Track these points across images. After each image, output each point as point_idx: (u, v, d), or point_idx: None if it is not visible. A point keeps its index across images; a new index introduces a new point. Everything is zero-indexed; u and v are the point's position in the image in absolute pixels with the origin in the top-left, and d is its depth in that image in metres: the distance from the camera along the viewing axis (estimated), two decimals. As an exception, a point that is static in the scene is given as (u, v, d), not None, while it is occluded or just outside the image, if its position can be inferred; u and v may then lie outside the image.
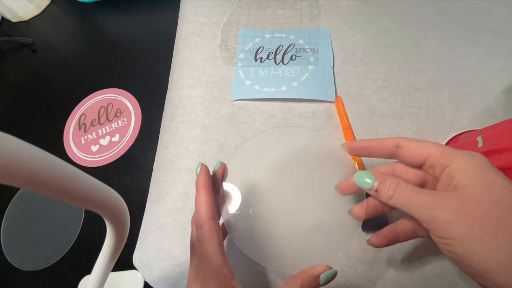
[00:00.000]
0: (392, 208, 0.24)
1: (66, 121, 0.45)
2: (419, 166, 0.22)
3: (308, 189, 0.27)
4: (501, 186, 0.18)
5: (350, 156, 0.27)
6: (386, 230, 0.23)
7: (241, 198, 0.26)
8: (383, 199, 0.21)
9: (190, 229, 0.32)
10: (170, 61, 0.44)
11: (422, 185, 0.23)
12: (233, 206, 0.26)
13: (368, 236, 0.29)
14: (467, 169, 0.19)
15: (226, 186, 0.26)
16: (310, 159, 0.28)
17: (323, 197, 0.26)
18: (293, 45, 0.41)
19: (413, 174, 0.23)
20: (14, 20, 0.55)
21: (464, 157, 0.19)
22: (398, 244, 0.30)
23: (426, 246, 0.29)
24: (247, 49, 0.42)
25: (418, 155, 0.21)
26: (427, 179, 0.22)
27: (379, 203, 0.24)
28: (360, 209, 0.24)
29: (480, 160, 0.19)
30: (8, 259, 0.37)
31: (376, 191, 0.21)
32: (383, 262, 0.29)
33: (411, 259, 0.29)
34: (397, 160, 0.24)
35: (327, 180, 0.27)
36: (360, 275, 0.29)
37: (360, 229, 0.29)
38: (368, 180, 0.22)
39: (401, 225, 0.23)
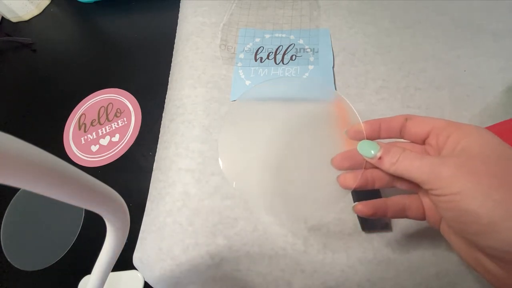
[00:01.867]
0: (379, 185, 0.23)
1: (66, 121, 0.45)
2: (422, 140, 0.22)
3: (303, 145, 0.28)
4: (508, 147, 0.18)
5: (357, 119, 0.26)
6: (376, 201, 0.23)
7: (239, 152, 0.27)
8: (385, 166, 0.21)
9: (190, 229, 0.32)
10: (170, 61, 0.44)
11: None
12: (229, 161, 0.26)
13: (368, 235, 0.29)
14: (470, 135, 0.19)
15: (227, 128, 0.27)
16: (314, 117, 0.28)
17: (317, 155, 0.27)
18: (293, 45, 0.41)
19: (414, 148, 0.23)
20: (14, 20, 0.55)
21: (467, 126, 0.20)
22: (398, 245, 0.30)
23: (426, 246, 0.29)
24: (247, 49, 0.42)
25: (425, 126, 0.21)
26: (429, 152, 0.22)
27: (370, 176, 0.23)
28: (352, 178, 0.23)
29: (483, 130, 0.19)
30: (8, 259, 0.37)
31: (380, 158, 0.21)
32: (383, 262, 0.29)
33: (411, 259, 0.29)
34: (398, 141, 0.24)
35: (324, 141, 0.27)
36: (360, 275, 0.29)
37: (358, 221, 0.29)
38: (372, 150, 0.22)
39: (393, 200, 0.23)
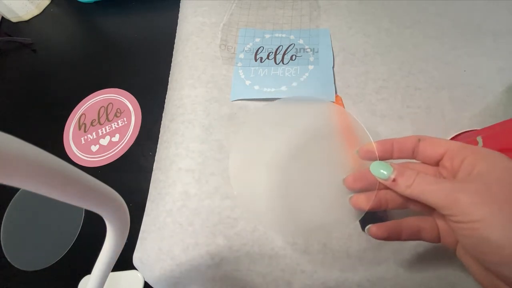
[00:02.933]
0: (392, 206, 0.23)
1: (66, 121, 0.45)
2: (436, 162, 0.22)
3: (318, 166, 0.27)
4: None
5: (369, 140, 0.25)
6: (390, 223, 0.22)
7: (250, 154, 0.27)
8: (400, 188, 0.21)
9: (190, 229, 0.32)
10: (170, 61, 0.44)
11: None
12: (240, 158, 0.26)
13: (368, 235, 0.28)
14: (489, 158, 0.18)
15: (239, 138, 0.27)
16: (330, 138, 0.28)
17: (331, 177, 0.26)
18: (293, 45, 0.41)
19: (427, 170, 0.22)
20: (14, 20, 0.55)
21: (485, 149, 0.19)
22: (398, 244, 0.30)
23: (426, 246, 0.29)
24: (247, 49, 0.42)
25: (438, 148, 0.21)
26: (442, 174, 0.22)
27: (383, 197, 0.23)
28: (365, 199, 0.23)
29: (498, 154, 0.19)
30: (8, 259, 0.37)
31: (394, 180, 0.21)
32: (383, 262, 0.29)
33: (411, 260, 0.29)
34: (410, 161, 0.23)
35: (337, 161, 0.27)
36: (360, 275, 0.29)
37: (359, 223, 0.29)
38: (385, 171, 0.21)
39: (407, 222, 0.22)
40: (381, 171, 0.21)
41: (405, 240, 0.22)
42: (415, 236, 0.22)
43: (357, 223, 0.31)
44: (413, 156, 0.23)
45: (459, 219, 0.18)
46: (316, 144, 0.29)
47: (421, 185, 0.20)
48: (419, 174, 0.20)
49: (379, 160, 0.23)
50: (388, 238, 0.22)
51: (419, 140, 0.22)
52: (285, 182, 0.27)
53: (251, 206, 0.26)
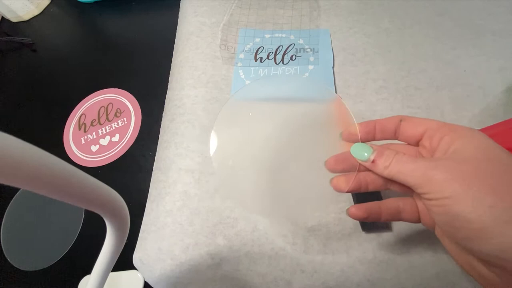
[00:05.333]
0: (372, 187, 0.23)
1: (66, 121, 0.45)
2: (416, 142, 0.22)
3: (299, 146, 0.27)
4: (500, 150, 0.18)
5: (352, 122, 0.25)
6: (370, 204, 0.22)
7: (233, 137, 0.27)
8: (379, 169, 0.21)
9: (190, 229, 0.32)
10: (170, 61, 0.44)
11: None
12: (217, 150, 0.26)
13: (368, 235, 0.29)
14: (463, 137, 0.19)
15: (219, 123, 0.26)
16: (310, 115, 0.28)
17: (314, 156, 0.26)
18: (293, 45, 0.41)
19: (408, 150, 0.23)
20: (14, 20, 0.55)
21: (461, 128, 0.20)
22: (398, 245, 0.30)
23: (426, 246, 0.29)
24: (247, 49, 0.42)
25: (419, 127, 0.21)
26: (422, 154, 0.22)
27: (363, 179, 0.23)
28: (344, 181, 0.23)
29: (476, 132, 0.19)
30: (8, 259, 0.37)
31: (373, 161, 0.21)
32: (383, 262, 0.29)
33: (411, 259, 0.29)
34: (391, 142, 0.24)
35: (321, 141, 0.27)
36: (360, 275, 0.29)
37: (359, 223, 0.29)
38: (365, 153, 0.22)
39: (386, 203, 0.22)
40: (361, 152, 0.22)
41: (385, 220, 0.22)
42: (395, 216, 0.22)
43: (357, 223, 0.31)
44: (395, 137, 0.23)
45: (431, 197, 0.18)
46: (305, 128, 0.28)
47: (398, 165, 0.20)
48: (397, 154, 0.20)
49: (363, 142, 0.23)
50: (368, 218, 0.22)
51: (401, 120, 0.22)
52: (269, 164, 0.27)
53: (230, 181, 0.26)
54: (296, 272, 0.30)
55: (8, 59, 0.52)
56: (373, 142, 0.23)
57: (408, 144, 0.23)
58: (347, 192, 0.23)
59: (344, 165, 0.23)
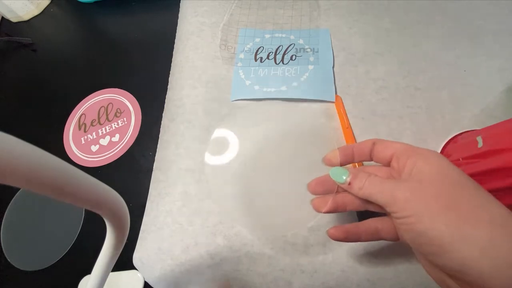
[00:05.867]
0: (351, 208, 0.24)
1: (66, 121, 0.45)
2: (388, 163, 0.23)
3: (286, 164, 0.30)
4: (458, 173, 0.19)
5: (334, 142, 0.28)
6: (348, 225, 0.24)
7: (226, 152, 0.29)
8: (354, 191, 0.23)
9: (190, 229, 0.32)
10: (170, 61, 0.44)
11: None
12: (216, 155, 0.28)
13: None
14: (425, 159, 0.20)
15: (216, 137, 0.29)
16: (299, 138, 0.31)
17: (297, 175, 0.28)
18: (293, 45, 0.41)
19: (380, 171, 0.24)
20: (14, 20, 0.55)
21: (424, 151, 0.21)
22: (398, 245, 0.30)
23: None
24: (247, 49, 0.42)
25: (388, 150, 0.23)
26: (392, 174, 0.23)
27: (341, 201, 0.25)
28: (323, 202, 0.25)
29: (438, 155, 0.21)
30: (8, 259, 0.37)
31: (349, 184, 0.23)
32: (383, 262, 0.29)
33: (411, 260, 0.29)
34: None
35: (307, 162, 0.29)
36: (360, 275, 0.29)
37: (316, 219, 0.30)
38: (343, 175, 0.23)
39: (365, 223, 0.24)
40: (339, 175, 0.23)
41: (365, 240, 0.24)
42: (375, 236, 0.23)
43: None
44: (370, 159, 0.24)
45: (398, 215, 0.19)
46: (291, 148, 0.31)
47: (370, 186, 0.22)
48: (370, 176, 0.22)
49: (341, 165, 0.25)
50: (347, 239, 0.24)
51: (373, 143, 0.24)
52: (254, 186, 0.29)
53: (218, 193, 0.29)
54: (296, 272, 0.30)
55: (8, 59, 0.52)
56: (356, 163, 0.26)
57: (382, 165, 0.24)
58: (325, 212, 0.25)
59: (324, 187, 0.25)
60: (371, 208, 0.24)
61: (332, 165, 0.25)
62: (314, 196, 0.26)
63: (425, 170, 0.20)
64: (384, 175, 0.24)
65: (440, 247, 0.17)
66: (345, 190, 0.24)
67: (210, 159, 0.29)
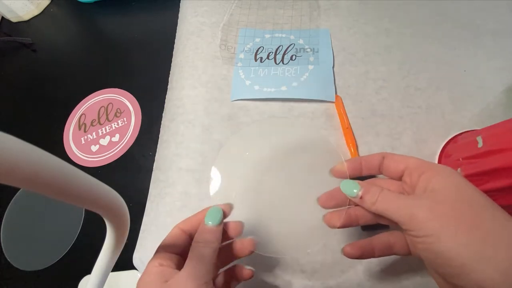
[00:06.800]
0: (363, 222, 0.24)
1: (66, 121, 0.45)
2: (399, 177, 0.23)
3: (297, 180, 0.28)
4: (473, 190, 0.19)
5: (339, 155, 0.27)
6: (362, 242, 0.23)
7: (229, 182, 0.28)
8: (366, 205, 0.22)
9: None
10: (170, 61, 0.44)
11: None
12: (218, 189, 0.27)
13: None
14: (440, 174, 0.20)
15: (215, 171, 0.28)
16: (301, 150, 0.29)
17: (312, 187, 0.27)
18: (293, 45, 0.41)
19: (392, 185, 0.24)
20: (14, 20, 0.55)
21: (438, 166, 0.21)
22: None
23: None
24: (247, 49, 0.42)
25: (399, 164, 0.23)
26: (405, 189, 0.23)
27: (354, 214, 0.24)
28: (336, 217, 0.24)
29: (452, 170, 0.21)
30: (8, 259, 0.37)
31: (361, 198, 0.22)
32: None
33: (411, 259, 0.29)
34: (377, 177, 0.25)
35: (312, 178, 0.28)
36: (360, 275, 0.29)
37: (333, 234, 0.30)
38: (354, 189, 0.23)
39: (378, 239, 0.23)
40: (350, 189, 0.23)
41: (378, 256, 0.23)
42: (387, 251, 0.23)
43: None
44: (380, 172, 0.24)
45: (415, 234, 0.19)
46: (299, 164, 0.30)
47: (383, 202, 0.21)
48: (383, 191, 0.21)
49: (351, 178, 0.24)
50: (362, 256, 0.23)
51: (383, 157, 0.23)
52: (264, 202, 0.28)
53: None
54: (296, 272, 0.30)
55: (8, 59, 0.52)
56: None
57: (393, 179, 0.24)
58: (339, 227, 0.24)
59: (335, 201, 0.24)
60: (383, 221, 0.23)
61: (340, 177, 0.25)
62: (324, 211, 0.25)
63: (441, 188, 0.19)
64: (396, 189, 0.23)
65: (460, 268, 0.17)
66: (357, 204, 0.23)
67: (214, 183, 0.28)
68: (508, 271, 0.16)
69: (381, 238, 0.23)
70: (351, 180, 0.24)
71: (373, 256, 0.23)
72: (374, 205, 0.21)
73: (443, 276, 0.19)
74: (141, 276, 0.21)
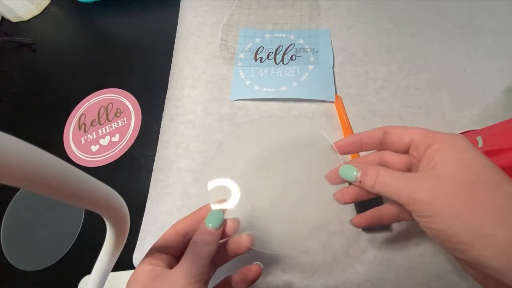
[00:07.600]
0: (374, 194, 0.24)
1: (66, 121, 0.45)
2: (405, 151, 0.23)
3: (295, 177, 0.28)
4: (480, 165, 0.19)
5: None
6: (369, 212, 0.24)
7: (227, 181, 0.28)
8: (367, 188, 0.22)
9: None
10: (170, 61, 0.44)
11: (408, 169, 0.23)
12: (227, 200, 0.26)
13: (368, 235, 0.28)
14: (446, 148, 0.20)
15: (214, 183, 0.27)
16: (298, 149, 0.29)
17: (310, 184, 0.28)
18: (293, 45, 0.41)
19: (400, 159, 0.23)
20: (14, 20, 0.55)
21: (445, 137, 0.20)
22: (398, 245, 0.30)
23: (426, 246, 0.29)
24: (247, 49, 0.42)
25: (404, 138, 0.22)
26: (412, 162, 0.23)
27: (376, 214, 0.24)
28: (341, 195, 0.24)
29: (461, 141, 0.20)
30: (8, 259, 0.37)
31: (360, 182, 0.22)
32: (383, 262, 0.29)
33: (411, 259, 0.29)
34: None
35: (314, 169, 0.28)
36: (360, 275, 0.29)
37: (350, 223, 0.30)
38: (353, 173, 0.23)
39: (385, 208, 0.24)
40: (349, 173, 0.23)
41: (386, 223, 0.24)
42: (395, 219, 0.24)
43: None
44: (382, 148, 0.24)
45: (418, 214, 0.20)
46: (297, 161, 0.30)
47: (383, 185, 0.21)
48: (380, 171, 0.21)
49: (350, 153, 0.24)
50: (370, 224, 0.24)
51: (384, 133, 0.23)
52: (261, 200, 0.28)
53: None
54: (296, 272, 0.30)
55: (8, 59, 0.52)
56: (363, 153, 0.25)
57: (399, 152, 0.23)
58: (350, 202, 0.24)
59: (341, 178, 0.24)
60: (404, 218, 0.23)
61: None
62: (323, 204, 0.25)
63: (445, 163, 0.19)
64: (404, 163, 0.23)
65: (460, 244, 0.18)
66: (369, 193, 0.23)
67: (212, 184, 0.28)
68: (505, 248, 0.16)
69: (388, 207, 0.24)
70: (348, 165, 0.23)
71: (381, 223, 0.24)
72: (374, 188, 0.21)
73: (446, 249, 0.20)
74: (131, 275, 0.21)
